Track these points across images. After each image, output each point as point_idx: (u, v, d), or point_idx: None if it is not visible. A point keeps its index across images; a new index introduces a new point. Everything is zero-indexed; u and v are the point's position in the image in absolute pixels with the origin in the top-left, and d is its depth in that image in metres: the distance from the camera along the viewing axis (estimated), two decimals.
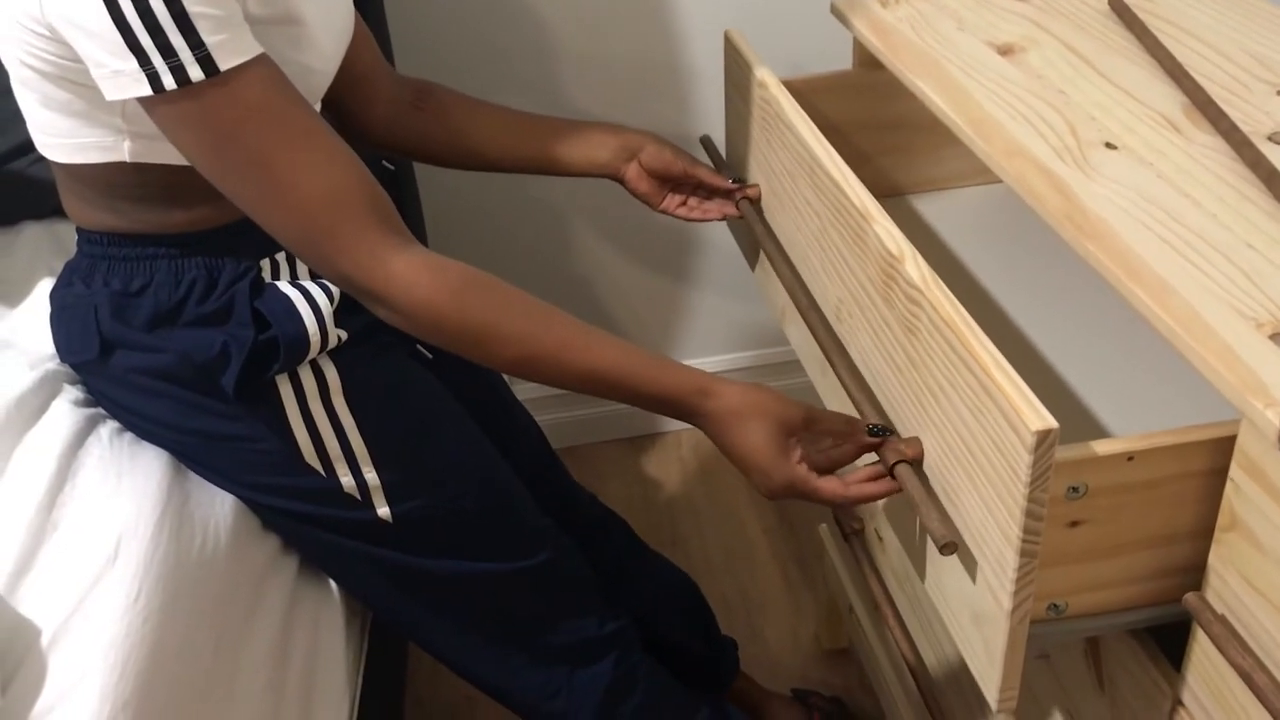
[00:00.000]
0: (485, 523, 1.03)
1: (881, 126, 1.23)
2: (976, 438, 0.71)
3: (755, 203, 1.14)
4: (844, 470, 0.86)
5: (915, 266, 0.79)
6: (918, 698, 1.23)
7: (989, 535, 0.71)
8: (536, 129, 1.13)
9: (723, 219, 1.16)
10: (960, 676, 1.15)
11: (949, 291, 0.75)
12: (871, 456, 0.84)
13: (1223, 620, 0.69)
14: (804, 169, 0.99)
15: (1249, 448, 0.64)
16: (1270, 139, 0.87)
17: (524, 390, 1.90)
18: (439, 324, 0.83)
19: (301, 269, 0.96)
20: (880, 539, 1.33)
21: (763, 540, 1.81)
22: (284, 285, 0.92)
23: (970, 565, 0.75)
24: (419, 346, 1.08)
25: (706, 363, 1.95)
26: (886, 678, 1.37)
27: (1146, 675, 0.79)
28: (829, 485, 0.84)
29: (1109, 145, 0.88)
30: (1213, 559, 0.69)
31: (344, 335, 0.93)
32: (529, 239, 1.80)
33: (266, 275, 0.94)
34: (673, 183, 1.14)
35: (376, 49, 1.11)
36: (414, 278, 0.82)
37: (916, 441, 0.81)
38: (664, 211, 1.15)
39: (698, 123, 1.72)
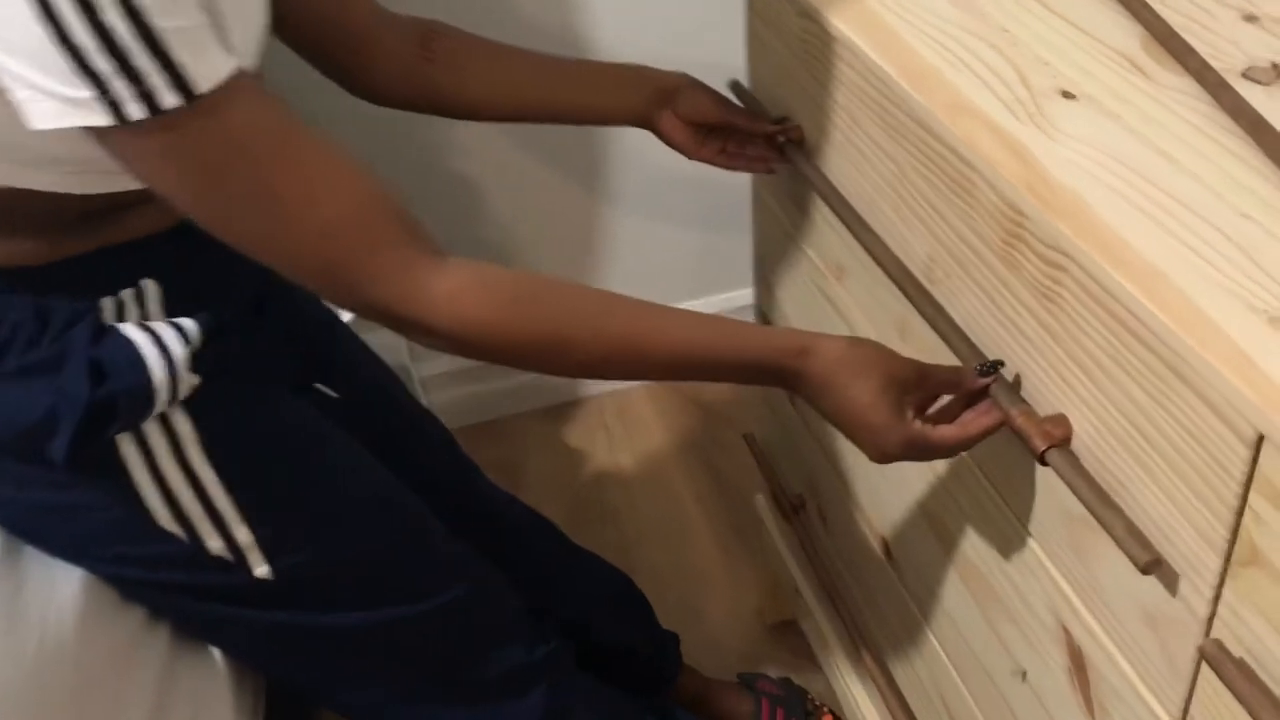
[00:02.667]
0: (386, 564, 0.90)
1: None
2: (1159, 425, 0.62)
3: (799, 145, 1.02)
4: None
5: (1058, 226, 0.66)
6: (872, 674, 1.14)
7: (1178, 533, 0.62)
8: (561, 73, 1.01)
9: (770, 171, 1.05)
10: (916, 654, 1.06)
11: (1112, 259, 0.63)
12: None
13: (1241, 664, 0.59)
14: (871, 107, 0.87)
15: (1275, 474, 0.54)
16: (1245, 75, 0.76)
17: (426, 368, 1.77)
18: (498, 346, 0.72)
19: (153, 305, 0.81)
20: (824, 517, 1.23)
21: (697, 510, 1.71)
22: (129, 328, 0.77)
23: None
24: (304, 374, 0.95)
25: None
26: (836, 655, 1.28)
27: (1143, 706, 0.70)
28: (948, 433, 0.75)
29: (1066, 94, 0.77)
30: (1229, 595, 0.59)
31: (196, 380, 0.78)
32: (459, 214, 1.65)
33: (109, 316, 0.79)
34: (709, 129, 1.02)
35: (372, 6, 0.97)
36: (462, 299, 0.70)
37: (1064, 420, 0.70)
38: (701, 160, 1.04)
39: (716, 60, 1.60)
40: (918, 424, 0.76)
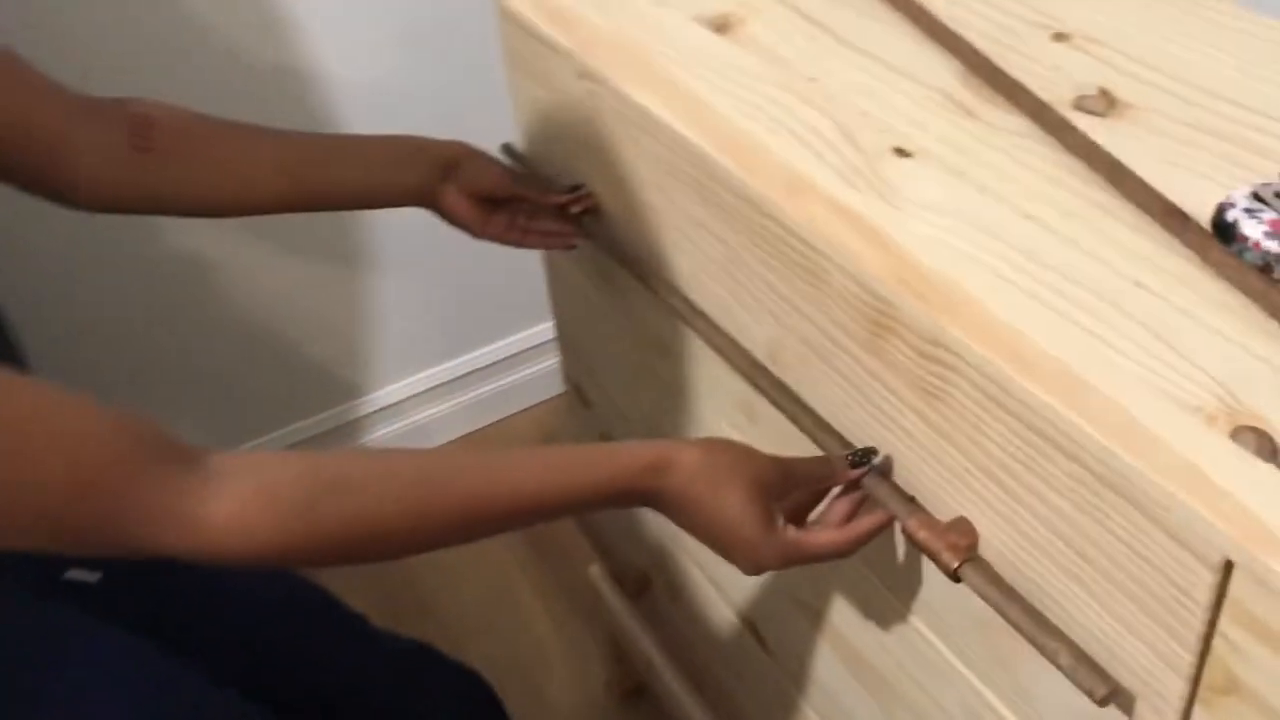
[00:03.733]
0: None
1: None
2: (1094, 540, 0.54)
3: (596, 215, 0.91)
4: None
5: (940, 323, 0.58)
6: None
7: (1129, 654, 0.55)
8: (318, 152, 0.85)
9: (569, 247, 0.94)
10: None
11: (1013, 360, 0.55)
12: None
13: None
14: (687, 183, 0.77)
15: (1251, 603, 0.47)
16: (1077, 107, 0.71)
17: None
18: (306, 556, 0.60)
19: None
20: (675, 597, 1.13)
21: (522, 581, 1.59)
22: None
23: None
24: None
25: (396, 389, 1.68)
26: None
27: None
28: (826, 538, 0.67)
29: (900, 151, 0.69)
30: None
31: None
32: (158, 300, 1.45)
33: None
34: (494, 203, 0.90)
35: (46, 87, 0.77)
36: (247, 518, 0.57)
37: (967, 525, 0.62)
38: (490, 237, 0.91)
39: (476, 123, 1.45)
40: (791, 531, 0.68)
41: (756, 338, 0.76)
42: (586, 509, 0.68)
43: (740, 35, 0.82)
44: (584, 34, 0.85)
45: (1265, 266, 0.56)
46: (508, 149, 0.99)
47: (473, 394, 1.74)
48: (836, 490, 0.69)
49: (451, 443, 1.74)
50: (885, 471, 0.67)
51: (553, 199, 0.90)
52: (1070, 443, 0.53)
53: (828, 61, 0.78)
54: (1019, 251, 0.60)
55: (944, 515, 0.64)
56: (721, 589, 1.02)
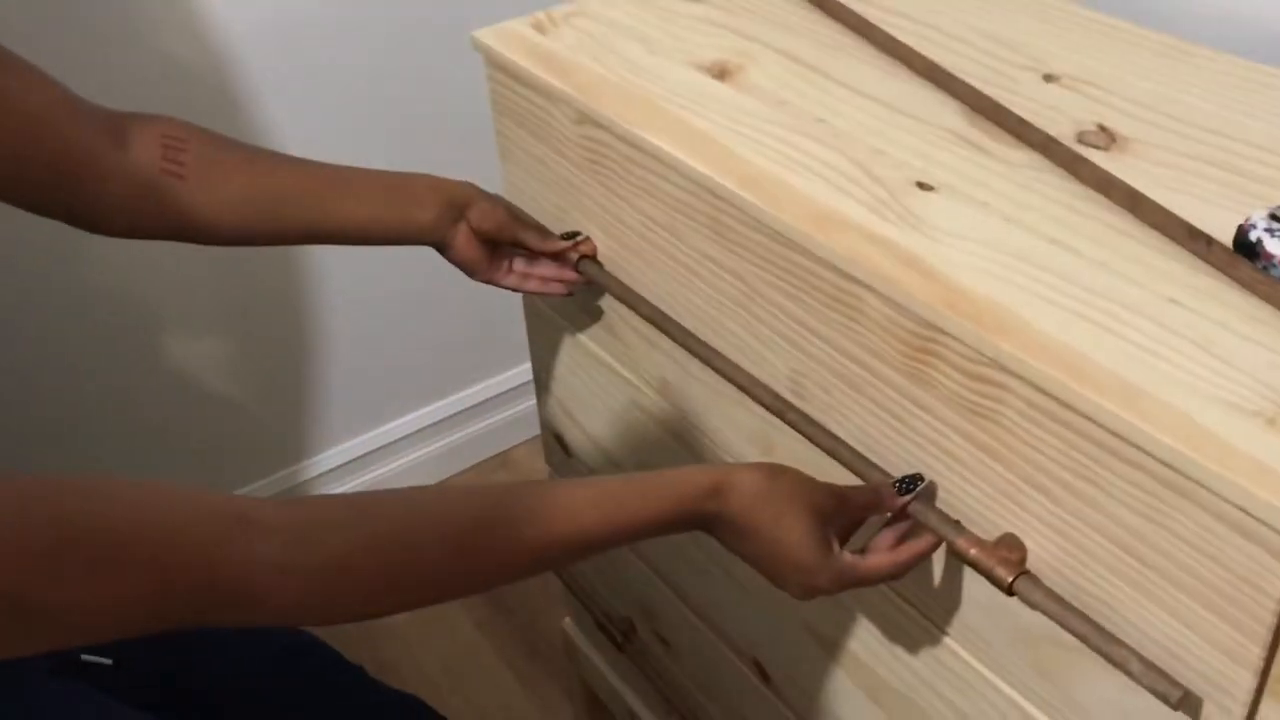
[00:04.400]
0: None
1: None
2: (1155, 545, 0.57)
3: (593, 260, 0.92)
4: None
5: (996, 343, 0.60)
6: None
7: (1193, 654, 0.57)
8: (336, 185, 0.84)
9: (568, 293, 0.93)
10: None
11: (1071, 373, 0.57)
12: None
13: None
14: (700, 220, 0.78)
15: None
16: (1080, 141, 0.75)
17: None
18: (341, 611, 0.59)
19: None
20: (667, 642, 1.13)
21: (481, 639, 1.57)
22: None
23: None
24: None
25: (355, 444, 1.66)
26: None
27: None
28: (880, 561, 0.68)
29: (923, 186, 0.72)
30: (1271, 714, 0.55)
31: None
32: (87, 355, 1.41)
33: None
34: (494, 246, 0.89)
35: (69, 101, 0.74)
36: (283, 577, 0.55)
37: (1015, 540, 0.65)
38: (490, 280, 0.90)
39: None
40: (847, 556, 0.69)
41: (777, 371, 0.78)
42: (650, 533, 0.68)
43: (740, 81, 0.85)
44: (583, 80, 0.86)
45: None
46: (495, 197, 0.99)
47: (425, 450, 1.72)
48: (882, 518, 0.71)
49: None
50: (930, 496, 0.69)
51: (553, 245, 0.91)
52: (1132, 449, 0.55)
53: (832, 104, 0.81)
54: (1055, 274, 0.63)
55: (989, 535, 0.66)
56: (717, 626, 1.02)
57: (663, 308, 0.87)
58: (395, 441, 1.68)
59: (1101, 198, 0.69)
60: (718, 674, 1.05)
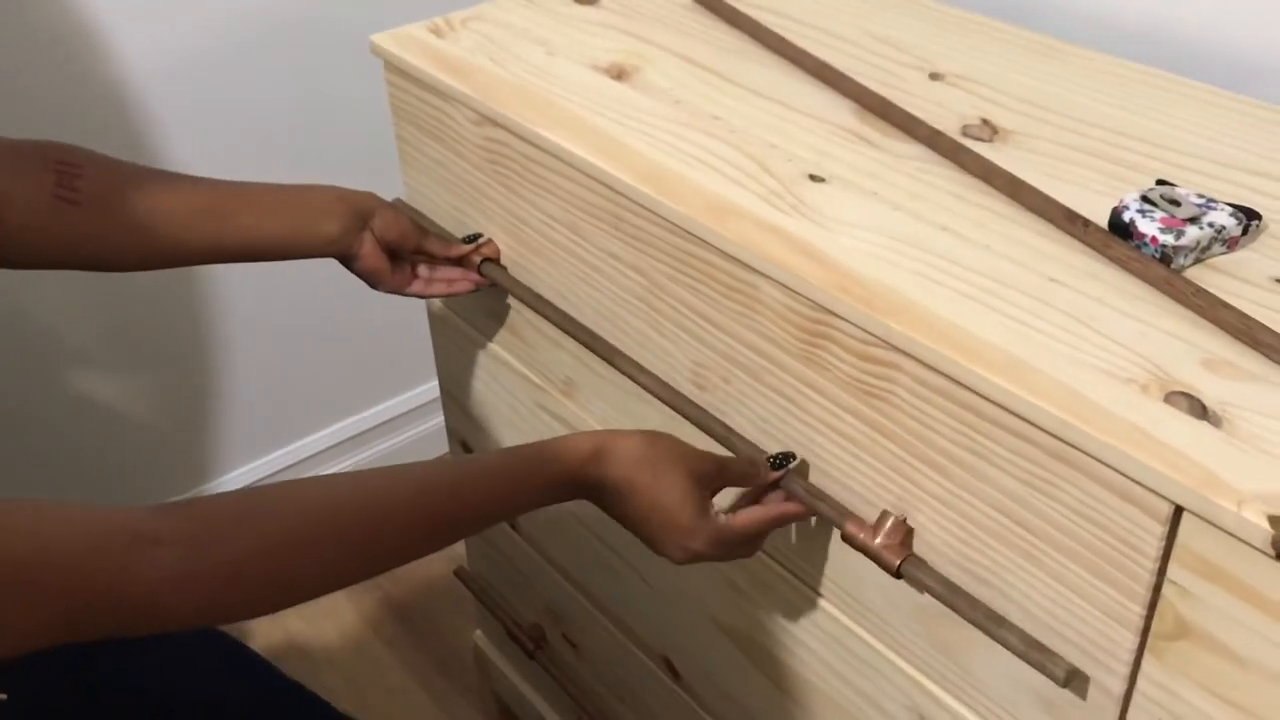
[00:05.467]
0: None
1: None
2: (1041, 513, 0.59)
3: (495, 262, 0.92)
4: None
5: (887, 324, 0.61)
6: None
7: (1078, 618, 0.59)
8: (239, 201, 0.83)
9: (472, 290, 0.92)
10: None
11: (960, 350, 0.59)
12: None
13: None
14: (601, 218, 0.79)
15: (1203, 548, 0.52)
16: (965, 134, 0.77)
17: None
18: (245, 610, 0.60)
19: None
20: (576, 646, 1.13)
21: (389, 655, 1.54)
22: None
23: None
24: None
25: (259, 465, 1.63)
26: None
27: None
28: (752, 518, 0.71)
29: (814, 178, 0.74)
30: (1153, 671, 0.57)
31: None
32: None
33: None
34: (398, 255, 0.89)
35: None
36: (184, 589, 0.56)
37: (902, 523, 0.66)
38: (393, 289, 0.90)
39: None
40: (722, 518, 0.71)
41: (680, 364, 0.79)
42: (534, 506, 0.69)
43: (637, 81, 0.86)
44: (483, 81, 0.87)
45: (1164, 258, 0.62)
46: (398, 204, 0.99)
47: (334, 468, 1.69)
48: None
49: None
50: (803, 474, 0.72)
51: (456, 250, 0.91)
52: (1017, 421, 0.57)
53: (727, 102, 0.83)
54: (942, 258, 0.65)
55: (879, 515, 0.68)
56: (626, 626, 1.02)
57: (566, 308, 0.87)
58: (303, 460, 1.65)
59: (985, 186, 0.71)
60: (628, 675, 1.06)
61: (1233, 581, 0.52)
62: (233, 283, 1.47)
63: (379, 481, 0.65)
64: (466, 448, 1.16)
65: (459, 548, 1.30)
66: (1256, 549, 0.49)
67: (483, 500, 0.67)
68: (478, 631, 1.33)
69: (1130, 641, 0.57)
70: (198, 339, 1.49)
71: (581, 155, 0.78)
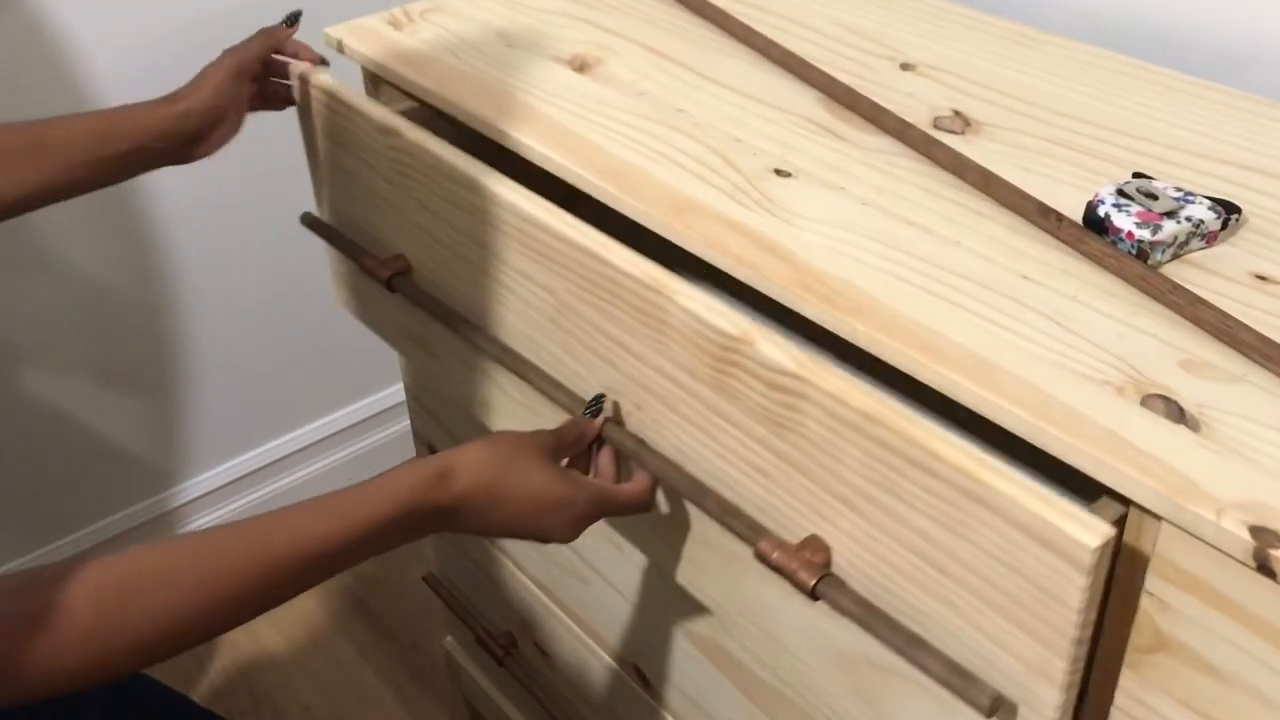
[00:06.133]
0: None
1: None
2: (952, 551, 0.52)
3: (406, 275, 0.84)
4: None
5: (780, 349, 0.56)
6: None
7: (999, 668, 0.53)
8: (115, 115, 0.81)
9: (317, 64, 0.88)
10: None
11: (850, 376, 0.54)
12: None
13: None
14: (509, 234, 0.72)
15: (1181, 559, 0.50)
16: (936, 126, 0.75)
17: None
18: (101, 669, 0.56)
19: None
20: (545, 652, 1.10)
21: (362, 663, 1.52)
22: None
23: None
24: None
25: (205, 480, 1.60)
26: None
27: None
28: (630, 487, 0.69)
29: (780, 172, 0.71)
30: (1129, 684, 0.55)
31: None
32: None
33: None
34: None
35: None
36: (76, 678, 0.55)
37: (820, 542, 0.60)
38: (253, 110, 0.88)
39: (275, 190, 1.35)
40: (592, 480, 0.69)
41: (593, 389, 0.72)
42: (382, 541, 0.63)
43: (599, 72, 0.83)
44: (440, 74, 0.84)
45: (1140, 253, 0.60)
46: (308, 219, 0.93)
47: (304, 471, 1.66)
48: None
49: None
50: (609, 415, 0.71)
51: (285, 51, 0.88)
52: (927, 456, 0.51)
53: (692, 94, 0.80)
54: (910, 255, 0.63)
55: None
56: (596, 634, 1.00)
57: (480, 324, 0.80)
58: (272, 463, 1.62)
59: (956, 179, 0.69)
60: (598, 682, 1.03)
61: (1211, 593, 0.49)
62: (200, 285, 1.44)
63: (216, 536, 0.60)
64: (432, 450, 1.13)
65: (424, 549, 1.27)
66: (1236, 560, 0.46)
67: (322, 540, 0.61)
68: (449, 638, 1.30)
69: (1056, 699, 0.52)
70: (163, 342, 1.46)
71: (541, 150, 0.75)
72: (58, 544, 1.47)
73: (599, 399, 0.70)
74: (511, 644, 1.14)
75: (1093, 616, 0.49)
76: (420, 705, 1.46)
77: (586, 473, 0.71)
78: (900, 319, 0.58)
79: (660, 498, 0.71)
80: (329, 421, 1.66)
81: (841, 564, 0.59)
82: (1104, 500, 0.52)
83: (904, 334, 0.57)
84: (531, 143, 0.75)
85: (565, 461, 0.69)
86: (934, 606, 0.55)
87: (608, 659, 1.00)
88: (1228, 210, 0.62)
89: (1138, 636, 0.54)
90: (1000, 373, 0.55)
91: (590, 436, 0.70)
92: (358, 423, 1.68)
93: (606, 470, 0.70)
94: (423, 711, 1.45)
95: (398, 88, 0.87)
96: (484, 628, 1.16)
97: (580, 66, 0.84)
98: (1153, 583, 0.52)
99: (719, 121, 0.76)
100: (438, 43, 0.89)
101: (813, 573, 0.58)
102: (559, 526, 0.67)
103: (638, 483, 0.70)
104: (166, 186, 1.34)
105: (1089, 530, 0.46)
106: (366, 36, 0.90)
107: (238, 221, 1.42)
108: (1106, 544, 0.47)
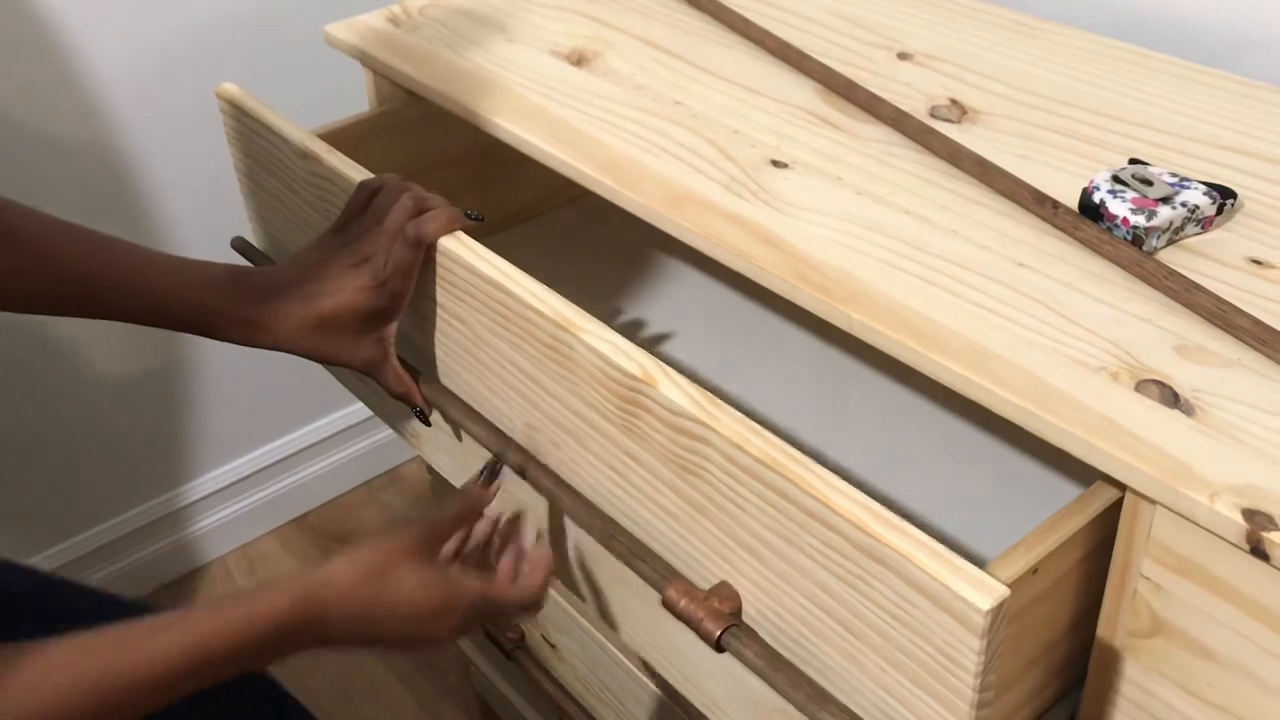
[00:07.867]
0: None
1: (433, 166, 0.98)
2: (852, 606, 0.51)
3: None
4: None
5: (682, 391, 0.55)
6: None
7: (891, 712, 0.52)
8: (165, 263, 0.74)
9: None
10: None
11: (754, 424, 0.53)
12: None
13: None
14: (426, 264, 0.69)
15: (1175, 543, 0.50)
16: (933, 115, 0.75)
17: None
18: None
19: None
20: (553, 644, 1.11)
21: (376, 662, 1.52)
22: None
23: None
24: None
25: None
26: None
27: None
28: (515, 593, 0.66)
29: (776, 163, 0.71)
30: (1126, 668, 0.55)
31: None
32: None
33: None
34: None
35: None
36: None
37: (729, 590, 0.58)
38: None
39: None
40: (474, 579, 0.65)
41: (514, 426, 0.70)
42: (244, 663, 0.60)
43: (596, 66, 0.84)
44: (440, 70, 0.84)
45: (1135, 239, 0.60)
46: (239, 244, 0.91)
47: (315, 467, 1.67)
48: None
49: (284, 526, 1.66)
50: (516, 468, 0.68)
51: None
52: (822, 508, 0.50)
53: (689, 87, 0.80)
54: (906, 244, 0.63)
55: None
56: (604, 628, 1.00)
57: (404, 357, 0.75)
58: (284, 459, 1.63)
59: (952, 168, 0.69)
60: (607, 675, 1.04)
61: (1206, 576, 0.49)
62: None
63: (106, 653, 0.56)
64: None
65: None
66: (1230, 543, 0.47)
67: (184, 669, 0.57)
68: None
69: None
70: (168, 342, 1.47)
71: (540, 146, 0.75)
72: (63, 544, 1.48)
73: (493, 463, 0.67)
74: (520, 637, 1.15)
75: (993, 679, 0.48)
76: (430, 699, 1.47)
77: (486, 548, 0.69)
78: (896, 307, 0.58)
79: (582, 538, 0.69)
80: (334, 420, 1.67)
81: (751, 612, 0.58)
82: (1022, 543, 0.52)
83: (900, 322, 0.57)
84: (530, 137, 0.76)
85: (456, 542, 0.66)
86: (839, 661, 0.53)
87: (616, 652, 1.00)
88: (1223, 195, 0.62)
89: (1134, 621, 0.54)
90: (996, 360, 0.55)
91: (482, 506, 0.67)
92: (362, 420, 1.69)
93: (505, 569, 0.67)
94: (433, 705, 1.46)
95: (398, 84, 0.87)
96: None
97: (578, 60, 0.85)
98: (1148, 567, 0.52)
99: (716, 113, 0.77)
100: (439, 40, 0.89)
101: (719, 622, 0.56)
102: (438, 633, 0.64)
103: (529, 582, 0.66)
104: (169, 187, 1.35)
105: (982, 591, 0.44)
106: (367, 34, 0.91)
107: (241, 222, 1.43)
108: (1000, 606, 0.45)
